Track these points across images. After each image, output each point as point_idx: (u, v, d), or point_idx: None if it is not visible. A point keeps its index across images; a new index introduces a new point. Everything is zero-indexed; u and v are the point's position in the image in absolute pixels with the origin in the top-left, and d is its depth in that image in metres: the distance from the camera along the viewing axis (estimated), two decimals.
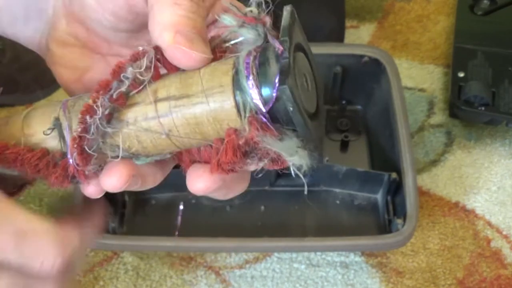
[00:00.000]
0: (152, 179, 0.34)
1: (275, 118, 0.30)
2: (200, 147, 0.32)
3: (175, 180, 0.39)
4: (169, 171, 0.36)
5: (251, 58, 0.30)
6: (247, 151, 0.31)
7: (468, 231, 0.71)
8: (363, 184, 0.72)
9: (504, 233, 0.71)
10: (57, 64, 0.36)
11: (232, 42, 0.31)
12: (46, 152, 0.33)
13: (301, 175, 0.31)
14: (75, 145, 0.31)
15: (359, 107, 0.80)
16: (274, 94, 0.29)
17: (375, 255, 0.69)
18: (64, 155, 0.32)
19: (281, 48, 0.29)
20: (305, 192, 0.73)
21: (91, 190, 0.34)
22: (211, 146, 0.32)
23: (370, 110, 0.79)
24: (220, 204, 0.72)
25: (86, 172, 0.32)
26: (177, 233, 0.70)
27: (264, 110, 0.29)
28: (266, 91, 0.29)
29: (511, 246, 0.70)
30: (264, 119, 0.30)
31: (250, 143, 0.30)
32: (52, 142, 0.33)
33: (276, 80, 0.29)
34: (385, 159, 0.73)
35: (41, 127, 0.33)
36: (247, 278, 0.68)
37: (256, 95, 0.29)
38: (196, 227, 0.70)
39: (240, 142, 0.30)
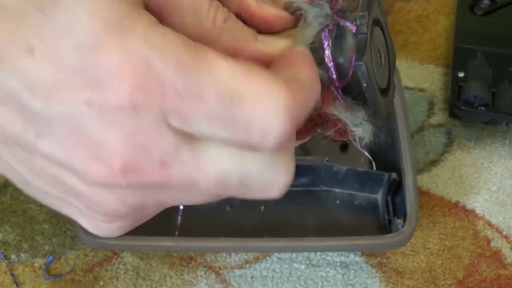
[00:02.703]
0: None
1: (347, 91, 0.30)
2: None
3: None
4: None
5: (328, 31, 0.30)
6: (317, 122, 0.31)
7: (468, 231, 0.71)
8: (363, 184, 0.71)
9: (504, 233, 0.71)
10: None
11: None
12: None
13: (360, 148, 0.31)
14: None
15: None
16: (350, 71, 0.29)
17: (375, 255, 0.69)
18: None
19: (354, 27, 0.29)
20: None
21: None
22: None
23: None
24: (220, 204, 0.72)
25: None
26: (177, 233, 0.70)
27: (337, 85, 0.29)
28: (342, 66, 0.29)
29: (511, 246, 0.70)
30: (337, 93, 0.30)
31: (322, 116, 0.30)
32: None
33: (353, 56, 0.29)
34: (385, 159, 0.73)
35: None
36: (247, 278, 0.68)
37: (332, 68, 0.29)
38: (196, 227, 0.70)
39: (313, 115, 0.30)
